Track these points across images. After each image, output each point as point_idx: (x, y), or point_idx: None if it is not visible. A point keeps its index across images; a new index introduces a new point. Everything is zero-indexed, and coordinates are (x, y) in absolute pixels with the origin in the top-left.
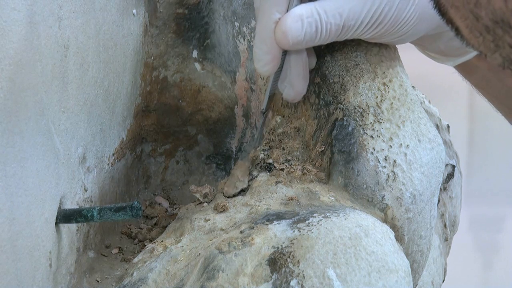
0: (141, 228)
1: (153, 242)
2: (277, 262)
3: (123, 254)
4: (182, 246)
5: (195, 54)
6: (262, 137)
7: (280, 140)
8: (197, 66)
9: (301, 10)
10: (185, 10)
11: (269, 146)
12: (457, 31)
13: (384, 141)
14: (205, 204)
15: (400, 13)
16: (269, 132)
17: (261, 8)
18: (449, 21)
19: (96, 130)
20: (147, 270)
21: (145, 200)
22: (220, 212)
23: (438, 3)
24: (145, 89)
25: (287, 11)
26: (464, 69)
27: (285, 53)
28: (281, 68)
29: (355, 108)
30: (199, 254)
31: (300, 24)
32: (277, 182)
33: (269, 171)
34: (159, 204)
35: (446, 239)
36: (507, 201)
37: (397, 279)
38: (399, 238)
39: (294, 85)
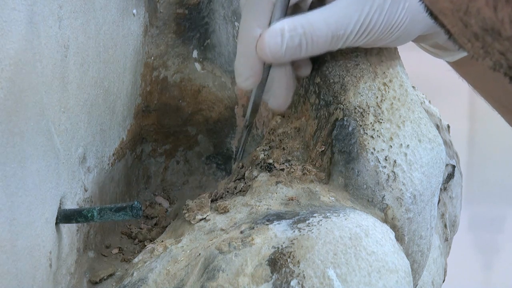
0: (141, 228)
1: (153, 242)
2: (277, 262)
3: (123, 254)
4: (182, 246)
5: (195, 54)
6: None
7: (280, 140)
8: (197, 66)
9: (282, 24)
10: (185, 10)
11: (269, 146)
12: (449, 33)
13: (384, 141)
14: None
15: (391, 19)
16: (269, 132)
17: (242, 21)
18: (441, 25)
19: (96, 130)
20: (147, 270)
21: (145, 200)
22: (221, 213)
23: (428, 8)
24: (145, 89)
25: (269, 25)
26: (460, 67)
27: (269, 65)
28: (265, 80)
29: (355, 108)
30: (199, 254)
31: (280, 39)
32: (277, 182)
33: (269, 171)
34: (159, 204)
35: (446, 239)
36: (507, 201)
37: (397, 279)
38: (399, 238)
39: (277, 96)
